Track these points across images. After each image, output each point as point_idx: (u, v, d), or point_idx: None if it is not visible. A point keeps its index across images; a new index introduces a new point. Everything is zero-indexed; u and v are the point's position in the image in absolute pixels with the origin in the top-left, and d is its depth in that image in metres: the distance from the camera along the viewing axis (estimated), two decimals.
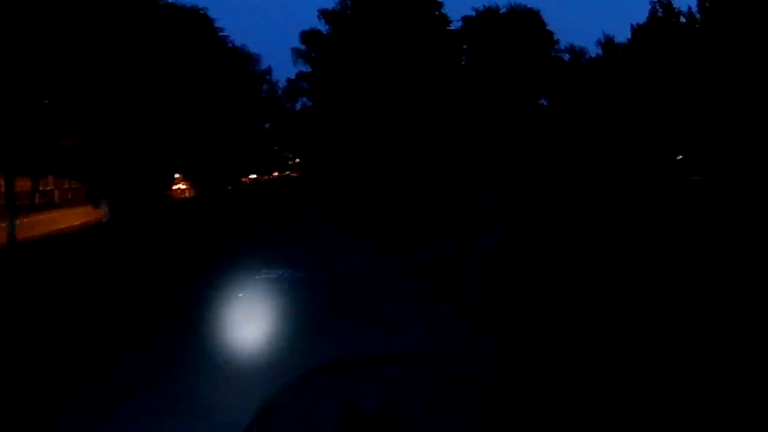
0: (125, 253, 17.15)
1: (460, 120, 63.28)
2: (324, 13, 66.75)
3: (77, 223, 34.05)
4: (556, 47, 78.37)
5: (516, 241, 18.48)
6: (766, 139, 41.68)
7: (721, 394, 6.93)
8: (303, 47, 71.06)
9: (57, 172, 41.12)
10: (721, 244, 18.44)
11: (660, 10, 61.84)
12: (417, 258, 15.52)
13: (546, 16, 76.75)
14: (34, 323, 10.39)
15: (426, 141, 58.24)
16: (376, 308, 10.19)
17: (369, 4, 59.97)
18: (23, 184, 39.50)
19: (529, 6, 76.19)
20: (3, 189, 33.46)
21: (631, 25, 65.68)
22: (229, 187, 77.95)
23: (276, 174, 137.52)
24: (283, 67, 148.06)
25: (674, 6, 61.52)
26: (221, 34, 52.29)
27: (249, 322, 9.76)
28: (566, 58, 79.67)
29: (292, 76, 77.49)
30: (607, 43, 75.51)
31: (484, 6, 75.59)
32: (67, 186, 50.68)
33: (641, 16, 64.58)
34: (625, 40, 69.62)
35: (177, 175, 58.93)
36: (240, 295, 11.90)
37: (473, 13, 75.16)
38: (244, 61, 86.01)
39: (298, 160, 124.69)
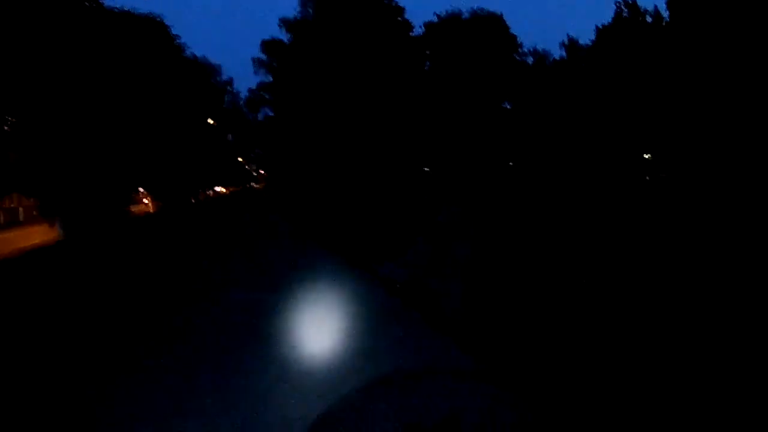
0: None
1: (425, 127, 62.67)
2: (285, 23, 65.63)
3: (38, 241, 32.30)
4: (520, 50, 78.45)
5: (489, 253, 17.73)
6: (733, 137, 41.67)
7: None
8: (264, 57, 69.99)
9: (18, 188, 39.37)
10: (692, 239, 18.56)
11: (625, 10, 61.89)
12: (388, 272, 14.39)
13: (510, 21, 77.01)
14: None
15: (391, 149, 57.42)
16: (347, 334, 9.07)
17: (330, 12, 59.04)
18: None
19: (492, 10, 76.29)
20: None
21: (596, 26, 65.59)
22: (193, 201, 76.26)
23: (240, 186, 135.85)
24: (245, 78, 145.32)
25: (640, 6, 61.66)
26: (178, 41, 50.58)
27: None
28: (530, 62, 79.78)
29: (254, 87, 76.26)
30: (571, 45, 75.58)
31: (446, 11, 75.49)
32: (32, 203, 48.64)
33: (608, 18, 64.48)
34: (590, 42, 69.64)
35: (141, 190, 57.32)
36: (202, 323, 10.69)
37: (435, 19, 75.19)
38: (204, 71, 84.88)
39: (262, 172, 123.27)
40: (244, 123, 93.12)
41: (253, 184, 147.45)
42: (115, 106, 35.17)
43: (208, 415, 6.53)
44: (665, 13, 56.86)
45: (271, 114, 75.30)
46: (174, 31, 49.94)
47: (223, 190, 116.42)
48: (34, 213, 46.00)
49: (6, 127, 30.45)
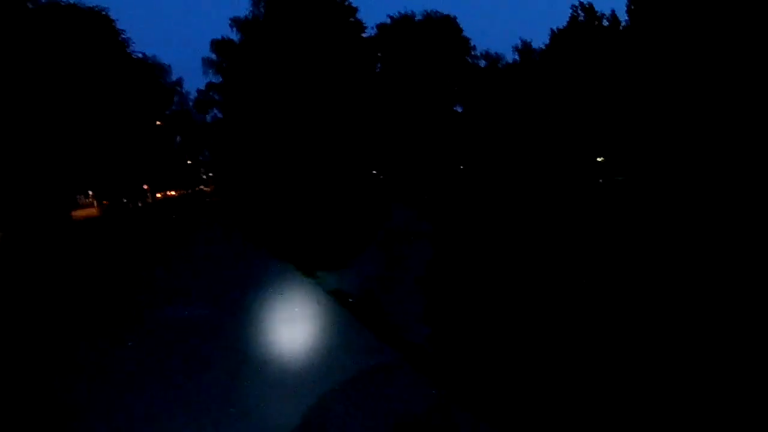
0: None
1: (376, 128, 62.00)
2: (236, 22, 64.15)
3: None
4: (473, 53, 78.40)
5: (449, 259, 16.88)
6: (686, 139, 42.05)
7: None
8: (214, 57, 68.37)
9: None
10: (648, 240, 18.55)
11: (581, 14, 62.12)
12: (338, 285, 13.30)
13: (464, 24, 76.87)
14: None
15: (341, 151, 56.49)
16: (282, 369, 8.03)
17: (282, 11, 57.85)
18: None
19: (446, 13, 76.09)
20: None
21: (551, 30, 65.78)
22: (140, 204, 74.22)
23: (190, 190, 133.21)
24: (197, 79, 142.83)
25: (596, 10, 61.96)
26: (124, 36, 48.33)
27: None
28: (482, 65, 79.83)
29: (203, 88, 74.39)
30: (524, 48, 75.85)
31: (399, 13, 75.02)
32: None
33: (562, 22, 64.68)
34: (543, 46, 69.91)
35: (90, 193, 55.26)
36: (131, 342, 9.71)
37: (388, 21, 74.63)
38: (153, 71, 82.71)
39: (211, 174, 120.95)
40: (193, 125, 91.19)
41: (202, 187, 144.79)
42: (53, 105, 33.56)
43: None
44: (623, 17, 57.31)
45: (220, 116, 73.57)
46: (121, 27, 48.15)
47: (173, 193, 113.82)
48: None
49: None
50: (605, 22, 60.84)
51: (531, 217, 28.56)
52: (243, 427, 6.26)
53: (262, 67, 55.61)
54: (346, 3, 59.73)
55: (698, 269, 13.21)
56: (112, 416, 6.66)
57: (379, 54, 72.58)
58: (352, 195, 51.68)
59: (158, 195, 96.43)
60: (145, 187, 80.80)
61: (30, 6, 36.96)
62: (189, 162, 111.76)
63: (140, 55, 78.98)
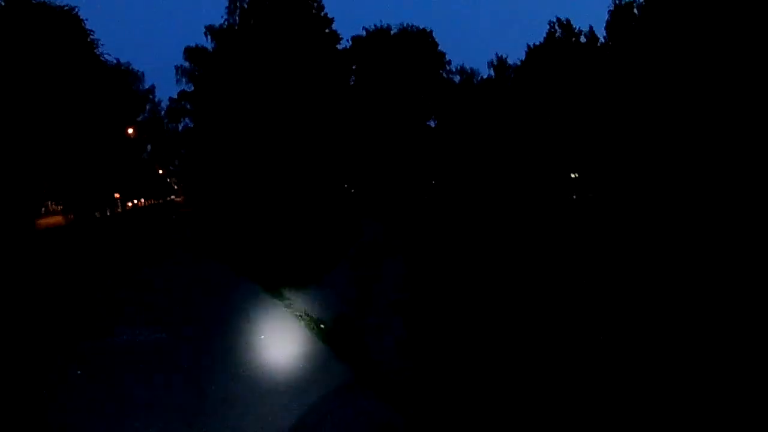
0: None
1: (348, 141, 61.24)
2: (210, 30, 63.06)
3: None
4: (448, 68, 78.17)
5: (426, 277, 16.19)
6: (660, 156, 41.97)
7: None
8: (187, 65, 67.31)
9: None
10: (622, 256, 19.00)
11: (558, 30, 62.19)
12: (307, 306, 12.35)
13: (440, 38, 76.51)
14: None
15: (313, 162, 55.51)
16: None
17: (257, 21, 57.06)
18: None
19: (422, 26, 75.79)
20: None
21: (528, 45, 65.83)
22: (108, 213, 72.64)
23: (161, 200, 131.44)
24: (169, 87, 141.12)
25: (574, 26, 62.15)
26: (93, 37, 46.21)
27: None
28: (457, 80, 79.64)
29: (176, 96, 73.15)
30: (500, 64, 75.81)
31: (374, 26, 74.62)
32: None
33: (540, 38, 64.76)
34: (518, 62, 69.96)
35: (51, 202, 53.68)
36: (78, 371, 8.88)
37: (363, 33, 74.19)
38: (126, 77, 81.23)
39: (183, 185, 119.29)
40: (164, 134, 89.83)
41: (174, 197, 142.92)
42: (12, 106, 32.32)
43: None
44: (601, 33, 57.38)
45: (191, 125, 72.28)
46: (90, 27, 46.30)
47: (143, 203, 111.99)
48: None
49: None
50: (583, 39, 61.00)
51: (504, 235, 28.16)
52: None
53: (235, 76, 54.64)
54: (322, 14, 59.10)
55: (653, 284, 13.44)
56: None
57: (353, 66, 72.05)
58: (323, 209, 50.85)
59: (128, 204, 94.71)
60: (117, 196, 79.26)
61: None
62: (160, 171, 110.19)
63: (114, 61, 77.90)
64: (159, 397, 7.47)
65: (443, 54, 76.50)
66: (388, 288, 14.37)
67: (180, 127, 78.21)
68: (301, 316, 11.62)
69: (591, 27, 60.99)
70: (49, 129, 36.19)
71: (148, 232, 41.58)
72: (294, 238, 28.62)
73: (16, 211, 37.70)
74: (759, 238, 20.68)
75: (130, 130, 75.48)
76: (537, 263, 17.74)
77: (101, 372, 8.53)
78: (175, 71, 68.19)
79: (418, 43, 74.12)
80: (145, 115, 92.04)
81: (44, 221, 48.27)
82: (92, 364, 8.86)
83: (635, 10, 47.36)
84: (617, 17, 49.43)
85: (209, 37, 63.10)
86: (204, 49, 64.57)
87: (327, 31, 59.62)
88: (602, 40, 57.35)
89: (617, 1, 50.16)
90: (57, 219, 51.15)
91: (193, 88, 67.25)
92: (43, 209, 52.20)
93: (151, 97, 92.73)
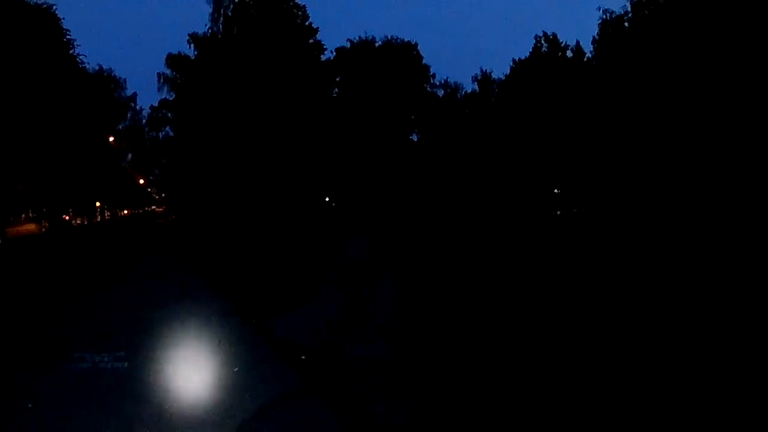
0: None
1: (331, 153, 60.39)
2: (194, 38, 62.06)
3: None
4: (432, 81, 77.78)
5: (417, 295, 15.33)
6: (645, 171, 41.69)
7: None
8: (169, 72, 66.22)
9: None
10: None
11: (545, 45, 61.98)
12: (285, 333, 11.30)
13: (424, 51, 76.07)
14: None
15: (294, 174, 54.55)
16: None
17: (240, 30, 56.26)
18: None
19: (407, 39, 75.34)
20: None
21: (513, 60, 65.56)
22: (84, 222, 71.35)
23: (141, 209, 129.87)
24: (151, 95, 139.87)
25: (560, 41, 61.95)
26: (69, 37, 44.68)
27: None
28: (441, 94, 79.30)
29: (157, 104, 71.83)
30: (484, 78, 75.58)
31: (359, 37, 74.11)
32: None
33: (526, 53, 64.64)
34: (503, 76, 69.72)
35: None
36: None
37: (348, 45, 73.62)
38: (107, 83, 79.94)
39: (164, 195, 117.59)
40: (144, 142, 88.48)
41: (154, 207, 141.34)
42: None
43: None
44: (587, 48, 57.14)
45: (171, 134, 71.02)
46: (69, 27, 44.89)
47: (124, 212, 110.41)
48: None
49: None
50: (569, 53, 60.81)
51: (487, 253, 27.55)
52: None
53: (217, 84, 53.73)
54: (307, 23, 58.41)
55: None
56: None
57: (337, 78, 71.41)
58: (304, 223, 49.89)
59: (107, 214, 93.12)
60: (98, 204, 77.82)
61: None
62: (141, 181, 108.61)
63: (96, 67, 76.68)
64: None
65: (428, 67, 76.21)
66: (376, 309, 13.43)
67: (161, 136, 76.71)
68: (277, 342, 10.63)
69: (578, 42, 60.97)
70: (14, 130, 34.77)
71: (123, 241, 40.38)
72: (275, 253, 27.66)
73: None
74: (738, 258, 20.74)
75: (111, 138, 74.32)
76: (525, 282, 17.10)
77: None
78: (157, 78, 67.11)
79: (402, 56, 73.70)
80: (126, 122, 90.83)
81: (17, 229, 46.97)
82: None
83: (626, 23, 46.99)
84: (606, 32, 49.10)
85: (192, 44, 62.25)
86: (186, 56, 63.68)
87: (311, 41, 58.90)
88: (589, 55, 57.11)
89: (605, 17, 49.88)
90: (30, 227, 49.80)
91: (174, 96, 66.14)
92: (23, 215, 50.93)
93: (132, 104, 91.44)
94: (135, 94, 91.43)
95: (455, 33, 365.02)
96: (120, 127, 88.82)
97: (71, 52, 45.23)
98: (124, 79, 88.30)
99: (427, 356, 9.62)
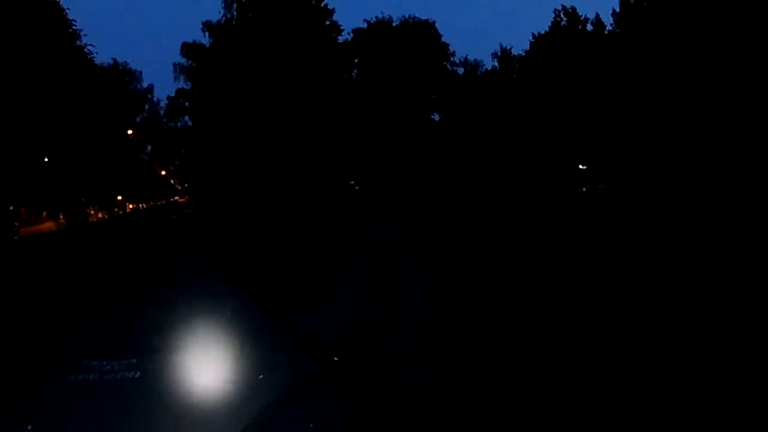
0: None
1: (352, 136, 59.36)
2: (208, 26, 61.54)
3: None
4: (452, 59, 76.48)
5: (452, 286, 14.17)
6: (669, 147, 40.12)
7: None
8: (185, 61, 65.64)
9: None
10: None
11: (564, 18, 60.38)
12: (313, 325, 10.02)
13: (443, 29, 74.79)
14: None
15: (318, 158, 53.60)
16: None
17: (254, 14, 55.26)
18: None
19: (425, 18, 73.96)
20: None
21: (533, 35, 63.86)
22: (107, 217, 71.08)
23: (164, 201, 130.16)
24: (168, 86, 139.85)
25: (580, 14, 60.24)
26: (75, 27, 43.54)
27: None
28: (461, 72, 78.01)
29: (173, 94, 71.16)
30: (504, 55, 74.03)
31: (376, 17, 72.92)
32: None
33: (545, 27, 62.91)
34: (523, 52, 68.07)
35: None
36: None
37: (365, 26, 72.48)
38: (122, 76, 79.84)
39: (186, 185, 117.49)
40: (164, 133, 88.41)
41: (177, 198, 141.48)
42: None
43: None
44: (607, 20, 55.39)
45: (190, 124, 70.39)
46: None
47: (144, 205, 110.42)
48: None
49: None
50: (589, 27, 59.16)
51: (516, 233, 26.56)
52: None
53: (233, 71, 52.88)
54: (323, 5, 57.23)
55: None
56: None
57: (355, 60, 70.38)
58: (329, 207, 48.94)
59: (130, 206, 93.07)
60: (119, 198, 77.68)
61: None
62: (162, 173, 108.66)
63: (110, 61, 76.38)
64: None
65: (446, 45, 74.84)
66: (409, 307, 12.09)
67: (179, 126, 76.14)
68: (303, 340, 9.53)
69: (597, 14, 59.16)
70: (22, 126, 33.96)
71: (143, 236, 39.52)
72: (299, 241, 26.61)
73: None
74: None
75: (129, 131, 74.07)
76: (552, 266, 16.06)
77: None
78: (173, 68, 66.64)
79: (420, 35, 72.47)
80: (144, 115, 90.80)
81: (37, 227, 46.17)
82: None
83: None
84: (626, 3, 47.35)
85: (206, 33, 61.72)
86: (201, 45, 63.13)
87: (327, 23, 57.77)
88: (609, 27, 55.33)
89: None
90: (49, 224, 48.99)
91: (191, 85, 65.55)
92: (44, 213, 50.32)
93: (149, 96, 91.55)
94: (151, 86, 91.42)
95: (472, 10, 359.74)
96: (138, 119, 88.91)
97: (78, 43, 44.26)
98: (140, 72, 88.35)
99: (467, 351, 8.41)
